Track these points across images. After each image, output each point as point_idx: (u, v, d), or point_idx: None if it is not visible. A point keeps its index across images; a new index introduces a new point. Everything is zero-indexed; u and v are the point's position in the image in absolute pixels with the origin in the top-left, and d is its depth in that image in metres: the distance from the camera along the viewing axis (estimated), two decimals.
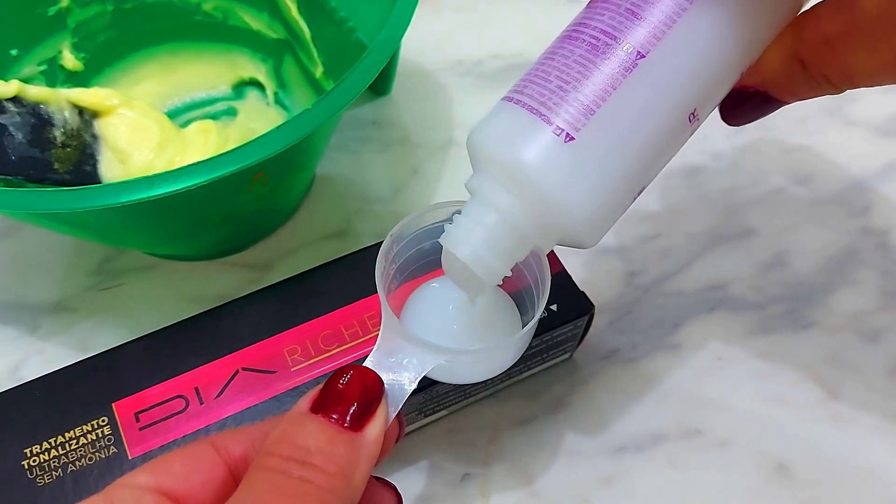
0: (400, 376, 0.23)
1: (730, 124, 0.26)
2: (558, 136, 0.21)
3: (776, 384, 0.34)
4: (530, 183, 0.21)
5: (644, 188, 0.23)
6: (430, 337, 0.24)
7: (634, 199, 0.23)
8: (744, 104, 0.26)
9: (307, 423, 0.20)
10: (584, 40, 0.22)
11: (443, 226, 0.27)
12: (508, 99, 0.23)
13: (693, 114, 0.22)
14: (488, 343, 0.25)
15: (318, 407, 0.21)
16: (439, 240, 0.24)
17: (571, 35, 0.23)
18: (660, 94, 0.21)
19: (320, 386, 0.21)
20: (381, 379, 0.22)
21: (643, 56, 0.21)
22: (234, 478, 0.22)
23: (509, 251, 0.23)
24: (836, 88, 0.24)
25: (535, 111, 0.21)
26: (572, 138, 0.21)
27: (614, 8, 0.22)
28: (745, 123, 0.26)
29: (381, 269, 0.25)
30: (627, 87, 0.21)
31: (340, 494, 0.20)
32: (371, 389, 0.21)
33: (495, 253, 0.23)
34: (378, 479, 0.25)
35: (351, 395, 0.21)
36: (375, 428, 0.21)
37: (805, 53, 0.24)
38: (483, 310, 0.26)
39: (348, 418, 0.21)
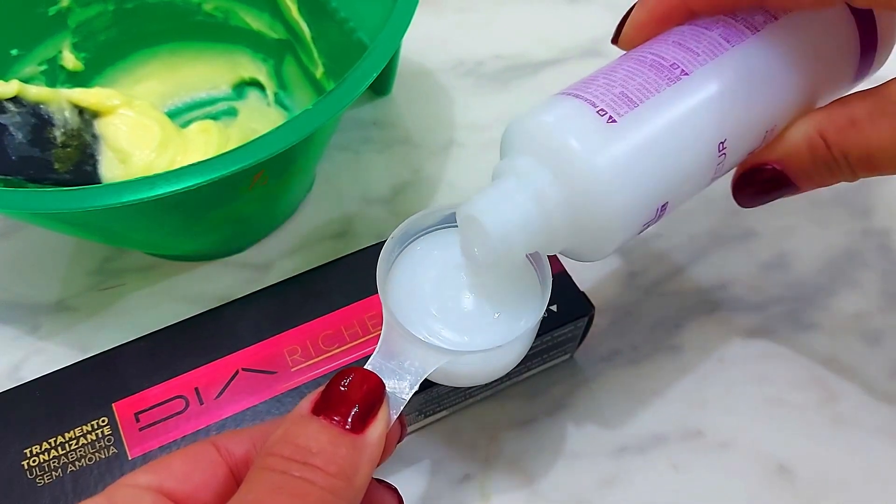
0: (401, 378, 0.23)
1: (740, 203, 0.28)
2: (602, 116, 0.23)
3: (777, 385, 0.34)
4: (569, 155, 0.22)
5: (664, 207, 0.24)
6: (431, 315, 0.24)
7: (656, 212, 0.24)
8: (757, 180, 0.26)
9: (309, 425, 0.20)
10: (633, 58, 0.25)
11: (445, 228, 0.27)
12: (555, 94, 0.24)
13: (723, 143, 0.24)
14: (493, 339, 0.25)
15: (320, 409, 0.21)
16: (460, 207, 0.24)
17: (620, 59, 0.25)
18: (695, 109, 0.24)
19: (322, 388, 0.21)
20: (382, 381, 0.22)
21: (686, 74, 0.24)
22: (235, 478, 0.22)
23: (531, 232, 0.23)
24: (853, 173, 0.25)
25: (580, 97, 0.23)
26: (614, 121, 0.23)
27: (662, 40, 0.25)
28: (754, 204, 0.28)
29: (383, 272, 0.25)
30: (668, 94, 0.23)
31: (341, 495, 0.20)
32: (372, 392, 0.21)
33: (520, 229, 0.23)
34: (379, 481, 0.25)
35: (352, 398, 0.21)
36: (377, 430, 0.21)
37: (829, 132, 0.25)
38: (492, 287, 0.26)
39: (350, 420, 0.21)
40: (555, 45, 0.46)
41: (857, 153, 0.24)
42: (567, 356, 0.34)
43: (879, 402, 0.33)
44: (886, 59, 0.28)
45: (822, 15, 0.26)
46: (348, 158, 0.42)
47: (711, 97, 0.24)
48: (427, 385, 0.28)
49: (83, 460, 0.27)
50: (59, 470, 0.27)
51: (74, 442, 0.27)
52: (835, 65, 0.27)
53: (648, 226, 0.25)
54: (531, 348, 0.30)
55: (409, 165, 0.42)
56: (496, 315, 0.25)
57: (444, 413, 0.32)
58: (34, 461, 0.27)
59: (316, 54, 0.41)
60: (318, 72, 0.41)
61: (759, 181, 0.27)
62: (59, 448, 0.27)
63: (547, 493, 0.31)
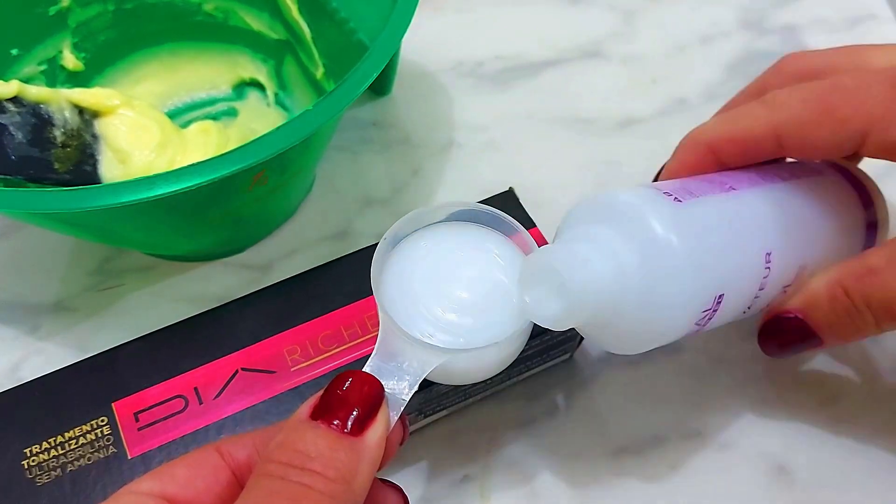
0: (401, 379, 0.23)
1: (767, 353, 0.29)
2: (668, 196, 0.25)
3: (776, 386, 0.34)
4: (646, 227, 0.24)
5: (720, 299, 0.25)
6: (426, 314, 0.24)
7: (714, 301, 0.25)
8: (781, 329, 0.28)
9: (307, 430, 0.21)
10: (696, 178, 0.28)
11: (436, 226, 0.27)
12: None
13: (769, 255, 0.26)
14: (489, 336, 0.25)
15: (319, 413, 0.21)
16: (536, 256, 0.24)
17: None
18: (744, 212, 0.27)
19: (320, 392, 0.21)
20: (381, 384, 0.22)
21: (735, 189, 0.27)
22: (238, 483, 0.22)
23: (603, 298, 0.23)
24: (877, 324, 0.26)
25: (647, 186, 0.26)
26: (680, 201, 0.25)
27: (702, 175, 0.29)
28: (780, 354, 0.29)
29: (376, 274, 0.25)
30: (721, 197, 0.27)
31: (341, 499, 0.20)
32: (371, 395, 0.21)
33: (596, 291, 0.23)
34: (384, 481, 0.25)
35: (351, 401, 0.21)
36: (376, 433, 0.21)
37: (848, 281, 0.26)
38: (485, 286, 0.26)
39: (349, 424, 0.21)
40: (555, 46, 0.46)
41: (878, 298, 0.25)
42: (567, 356, 0.34)
43: (879, 402, 0.33)
44: (886, 235, 0.32)
45: (835, 186, 0.30)
46: (348, 159, 0.42)
47: (757, 206, 0.27)
48: (426, 385, 0.28)
49: (83, 460, 0.27)
50: (59, 470, 0.27)
51: (74, 442, 0.27)
52: (848, 230, 0.30)
53: (704, 322, 0.26)
54: (531, 348, 0.30)
55: (408, 166, 0.42)
56: (491, 311, 0.25)
57: (443, 413, 0.32)
58: (34, 461, 0.27)
59: (316, 55, 0.41)
60: (319, 72, 0.41)
61: (782, 330, 0.28)
62: (59, 448, 0.27)
63: (546, 493, 0.31)
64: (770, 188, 0.28)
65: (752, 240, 0.26)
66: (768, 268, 0.26)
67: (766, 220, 0.27)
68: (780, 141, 0.27)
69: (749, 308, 0.27)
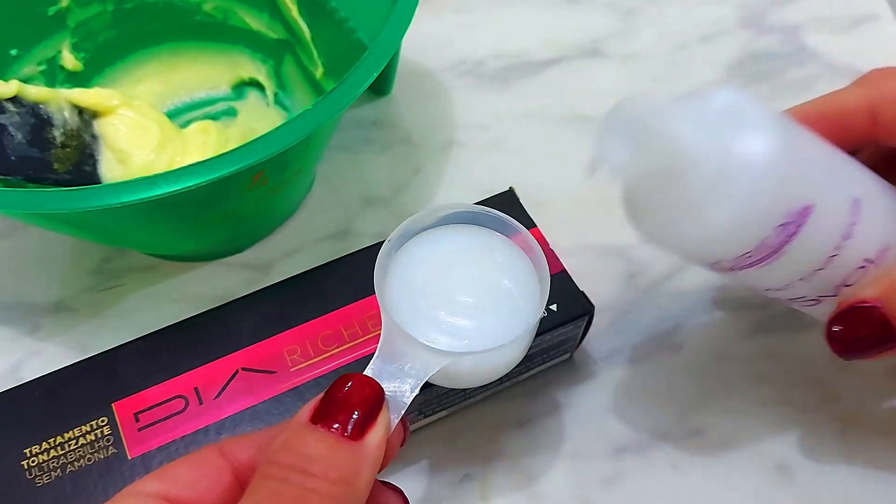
0: (403, 381, 0.23)
1: (836, 352, 0.26)
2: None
3: (777, 385, 0.34)
4: (746, 110, 0.23)
5: (806, 211, 0.23)
6: (430, 316, 0.24)
7: (800, 209, 0.23)
8: (856, 321, 0.25)
9: (308, 433, 0.21)
10: None
11: (440, 228, 0.27)
12: None
13: (858, 201, 0.25)
14: (492, 340, 0.25)
15: (319, 416, 0.21)
16: (640, 97, 0.23)
17: None
18: (839, 154, 0.26)
19: (321, 395, 0.21)
20: (381, 388, 0.22)
21: (832, 147, 0.26)
22: (240, 484, 0.22)
23: (684, 164, 0.22)
24: None
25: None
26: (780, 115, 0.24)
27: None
28: (852, 353, 0.26)
29: (380, 275, 0.25)
30: (820, 140, 0.25)
31: (343, 501, 0.20)
32: (371, 398, 0.21)
33: (685, 138, 0.22)
34: (384, 482, 0.25)
35: (352, 405, 0.21)
36: (377, 435, 0.21)
37: None
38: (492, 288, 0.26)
39: (349, 427, 0.21)
40: (555, 45, 0.46)
41: None
42: (567, 356, 0.34)
43: (879, 402, 0.33)
44: None
45: None
46: (348, 158, 0.42)
47: (848, 161, 0.26)
48: (426, 385, 0.28)
49: (83, 460, 0.27)
50: (59, 470, 0.27)
51: (74, 442, 0.27)
52: None
53: (788, 235, 0.23)
54: (531, 348, 0.30)
55: (409, 165, 0.42)
56: (494, 314, 0.25)
57: (443, 413, 0.32)
58: (34, 461, 0.27)
59: (315, 54, 0.41)
60: (318, 72, 0.41)
61: (856, 323, 0.25)
62: (59, 448, 0.27)
63: (547, 493, 0.31)
64: (862, 166, 0.27)
65: (842, 178, 0.25)
66: (855, 217, 0.24)
67: (855, 174, 0.26)
68: (875, 117, 0.26)
69: (833, 257, 0.25)
